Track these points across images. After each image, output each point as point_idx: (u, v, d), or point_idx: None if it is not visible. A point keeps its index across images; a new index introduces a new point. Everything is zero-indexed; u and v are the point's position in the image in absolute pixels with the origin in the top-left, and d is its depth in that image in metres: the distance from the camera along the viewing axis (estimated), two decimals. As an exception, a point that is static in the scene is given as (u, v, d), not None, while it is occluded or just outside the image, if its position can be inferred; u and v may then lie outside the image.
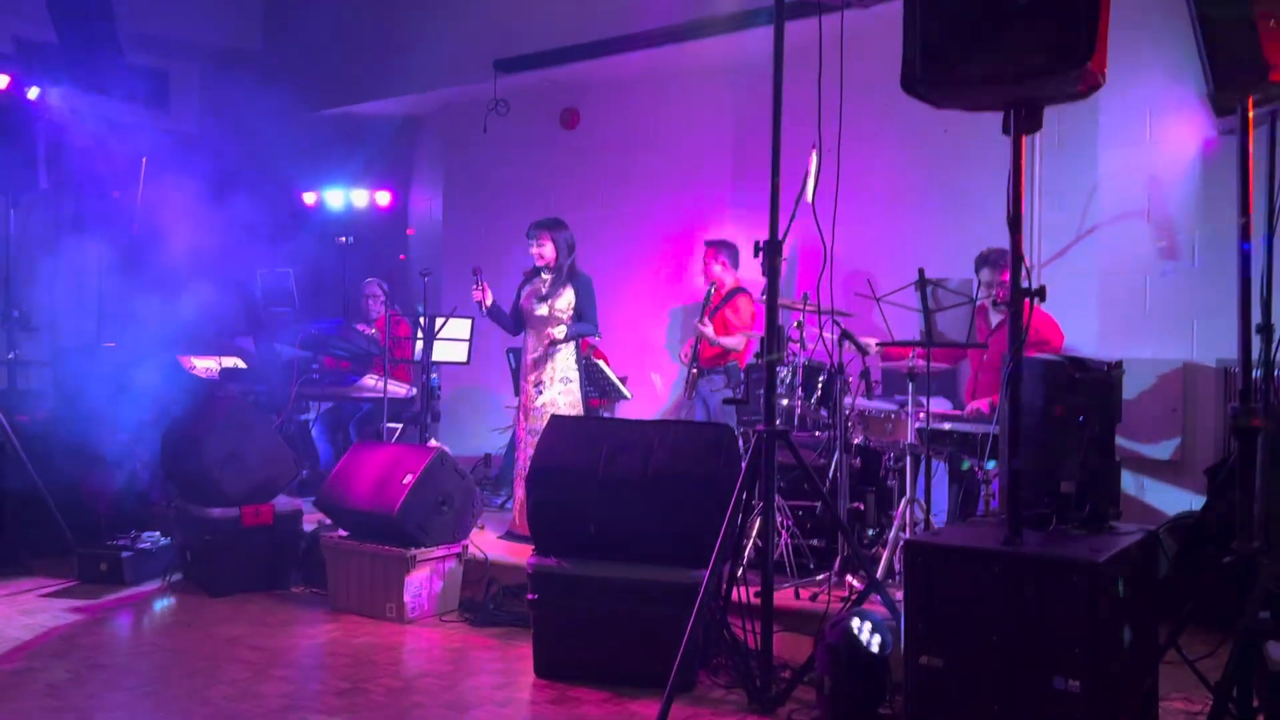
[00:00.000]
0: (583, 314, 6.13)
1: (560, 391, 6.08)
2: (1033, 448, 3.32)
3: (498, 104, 8.56)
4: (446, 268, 9.24)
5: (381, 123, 9.92)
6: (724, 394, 6.65)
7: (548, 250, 6.12)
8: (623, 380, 7.09)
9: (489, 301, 6.14)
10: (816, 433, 5.53)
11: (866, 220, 7.03)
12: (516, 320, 6.26)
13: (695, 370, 6.76)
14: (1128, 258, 6.22)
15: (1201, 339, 5.98)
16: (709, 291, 6.92)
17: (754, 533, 4.88)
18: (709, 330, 6.72)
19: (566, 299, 6.09)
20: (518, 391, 7.25)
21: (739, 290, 6.95)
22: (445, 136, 9.63)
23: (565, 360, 6.10)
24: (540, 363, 6.11)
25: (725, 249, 7.00)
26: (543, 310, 6.09)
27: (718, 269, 6.95)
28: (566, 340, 6.09)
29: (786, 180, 3.97)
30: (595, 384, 6.71)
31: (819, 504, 5.25)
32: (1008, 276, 3.28)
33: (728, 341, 6.74)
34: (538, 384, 6.11)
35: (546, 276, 6.15)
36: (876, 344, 5.60)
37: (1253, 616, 3.11)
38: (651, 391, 8.30)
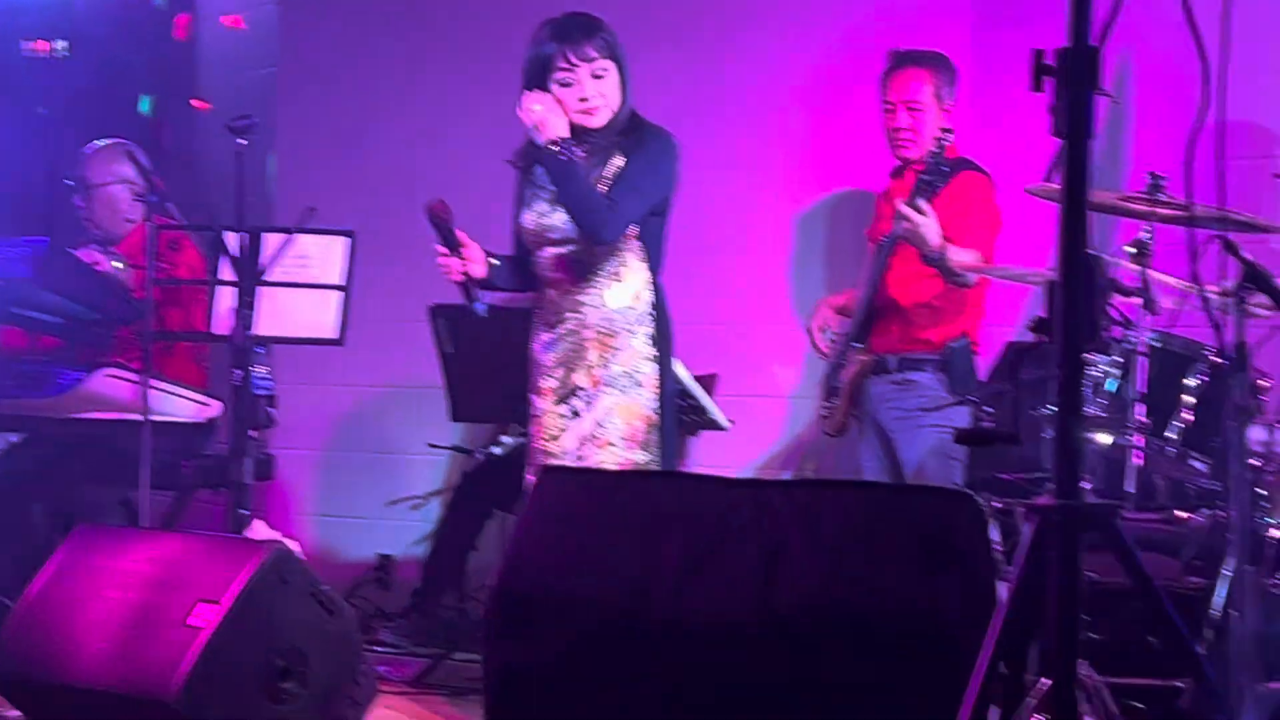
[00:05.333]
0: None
1: (616, 405, 3.18)
2: None
3: None
4: (285, 111, 5.23)
5: None
6: (935, 414, 3.60)
7: (608, 86, 3.17)
8: (707, 385, 3.97)
9: (479, 269, 3.17)
10: (1179, 512, 3.38)
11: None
12: (522, 268, 3.35)
13: (862, 355, 3.70)
14: None
15: None
16: (902, 167, 3.81)
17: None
18: (926, 222, 3.49)
19: None
20: (458, 414, 4.15)
21: (965, 164, 3.76)
22: None
23: (630, 331, 3.18)
24: (569, 339, 3.20)
25: (936, 67, 3.81)
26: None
27: (926, 112, 3.71)
28: (634, 272, 3.17)
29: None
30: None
31: (1184, 683, 3.05)
32: None
33: (960, 257, 3.56)
34: (566, 396, 3.29)
35: (583, 150, 3.22)
36: None
37: None
38: (765, 405, 4.61)
